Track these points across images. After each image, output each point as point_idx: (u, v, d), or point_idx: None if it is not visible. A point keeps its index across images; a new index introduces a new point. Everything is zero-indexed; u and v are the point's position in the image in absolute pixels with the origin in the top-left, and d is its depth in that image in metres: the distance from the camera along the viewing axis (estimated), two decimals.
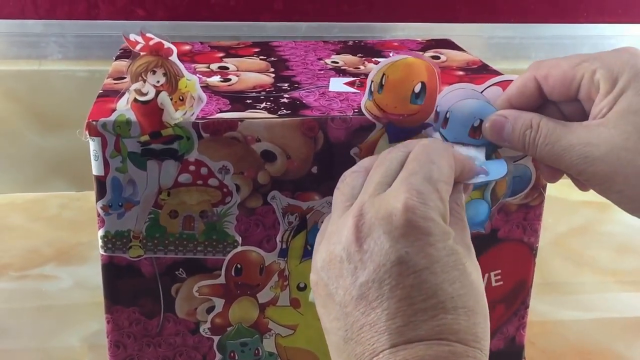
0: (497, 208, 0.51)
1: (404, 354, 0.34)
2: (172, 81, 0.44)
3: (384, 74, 0.46)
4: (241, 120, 0.47)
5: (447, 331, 0.35)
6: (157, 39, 0.43)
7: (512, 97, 0.46)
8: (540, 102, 0.45)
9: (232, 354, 0.52)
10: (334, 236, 0.38)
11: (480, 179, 0.43)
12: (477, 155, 0.45)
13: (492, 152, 0.47)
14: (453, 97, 0.47)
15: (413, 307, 0.35)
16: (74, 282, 0.70)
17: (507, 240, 0.53)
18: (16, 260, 0.73)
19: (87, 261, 0.73)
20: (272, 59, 0.63)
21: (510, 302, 0.55)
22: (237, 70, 0.58)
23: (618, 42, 0.91)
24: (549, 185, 0.51)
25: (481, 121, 0.46)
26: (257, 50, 0.65)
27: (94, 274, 0.70)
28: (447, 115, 0.46)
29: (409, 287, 0.35)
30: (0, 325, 0.64)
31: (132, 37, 0.43)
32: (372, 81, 0.46)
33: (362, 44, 0.69)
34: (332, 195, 0.49)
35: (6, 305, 0.66)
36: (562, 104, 0.45)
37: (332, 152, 0.48)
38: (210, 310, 0.51)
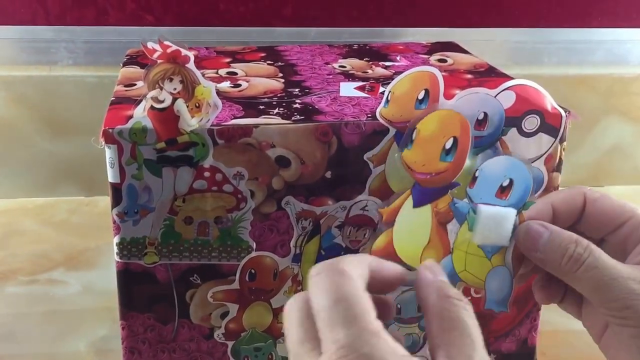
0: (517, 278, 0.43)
1: None
2: (188, 88, 0.44)
3: (415, 128, 0.43)
4: (255, 126, 0.47)
5: None
6: (174, 47, 0.43)
7: (555, 201, 0.43)
8: (573, 222, 0.43)
9: (245, 359, 0.53)
10: None
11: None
12: (507, 214, 0.41)
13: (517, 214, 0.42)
14: (466, 102, 0.47)
15: None
16: (82, 287, 0.70)
17: None
18: (26, 265, 0.73)
19: (95, 266, 0.73)
20: (280, 63, 0.63)
21: (522, 304, 0.55)
22: (246, 76, 0.59)
23: (633, 47, 0.90)
24: None
25: (511, 180, 0.41)
26: (263, 55, 0.65)
27: (102, 280, 0.71)
28: (476, 174, 0.42)
29: None
30: (9, 330, 0.64)
31: (150, 44, 0.43)
32: (390, 92, 0.45)
33: (368, 47, 0.69)
34: (345, 199, 0.50)
35: (15, 310, 0.66)
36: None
37: (346, 156, 0.49)
38: (224, 315, 0.51)
